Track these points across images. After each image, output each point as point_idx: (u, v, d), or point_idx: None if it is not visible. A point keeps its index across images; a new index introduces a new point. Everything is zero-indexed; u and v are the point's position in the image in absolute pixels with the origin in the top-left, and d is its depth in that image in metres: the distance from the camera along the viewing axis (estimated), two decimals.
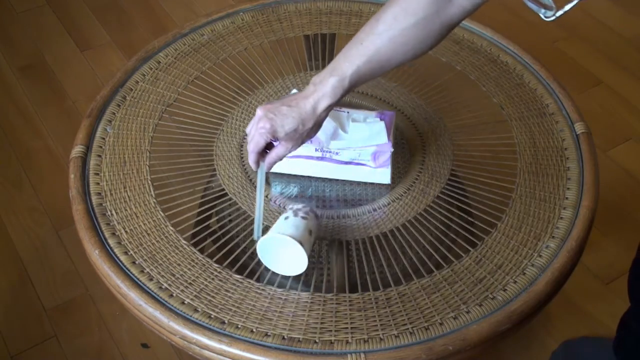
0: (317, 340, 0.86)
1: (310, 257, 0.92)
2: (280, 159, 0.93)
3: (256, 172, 0.95)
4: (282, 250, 0.93)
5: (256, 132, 0.89)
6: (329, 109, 0.88)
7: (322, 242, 1.00)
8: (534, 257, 0.95)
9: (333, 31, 1.31)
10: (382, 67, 0.86)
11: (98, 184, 1.04)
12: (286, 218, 0.95)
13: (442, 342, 0.85)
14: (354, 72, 0.85)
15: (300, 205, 0.97)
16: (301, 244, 0.90)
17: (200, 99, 1.19)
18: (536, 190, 1.04)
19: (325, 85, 0.86)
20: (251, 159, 0.92)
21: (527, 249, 0.96)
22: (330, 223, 1.02)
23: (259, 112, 0.89)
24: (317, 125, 0.90)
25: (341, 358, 0.84)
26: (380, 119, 1.03)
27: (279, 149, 0.91)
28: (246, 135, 0.94)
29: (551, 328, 1.36)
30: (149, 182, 1.05)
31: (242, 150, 1.13)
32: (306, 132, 0.89)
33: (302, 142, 0.91)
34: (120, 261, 0.94)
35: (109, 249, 0.96)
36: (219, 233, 1.11)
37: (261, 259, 0.94)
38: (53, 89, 1.87)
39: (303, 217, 0.94)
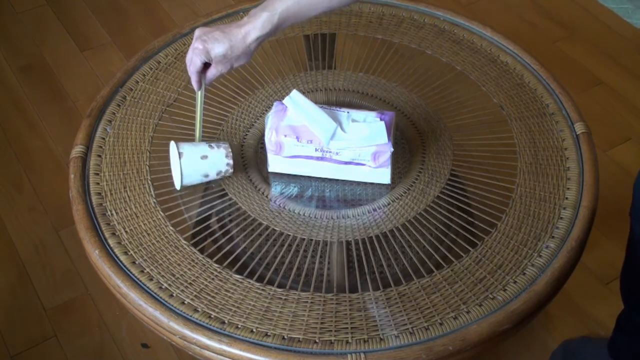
0: (317, 340, 0.86)
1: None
2: (214, 79, 1.03)
3: (198, 91, 1.05)
4: (175, 160, 1.04)
5: (192, 52, 0.99)
6: (258, 41, 0.98)
7: (322, 242, 1.00)
8: (534, 257, 0.95)
9: (333, 31, 1.31)
10: (309, 10, 0.98)
11: (98, 184, 1.04)
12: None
13: (442, 342, 0.85)
14: (284, 10, 0.96)
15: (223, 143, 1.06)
16: (181, 155, 1.01)
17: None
18: (536, 190, 1.04)
19: (257, 19, 0.96)
20: (193, 80, 1.02)
21: (527, 249, 0.96)
22: (330, 223, 1.02)
23: (196, 33, 0.99)
24: (246, 55, 0.99)
25: (341, 358, 0.84)
26: (380, 119, 1.03)
27: (211, 69, 1.01)
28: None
29: (551, 328, 1.36)
30: (149, 182, 1.05)
31: (242, 150, 1.13)
32: (235, 58, 0.99)
33: (232, 67, 1.01)
34: (120, 261, 0.94)
35: (109, 249, 0.96)
36: (219, 233, 1.11)
37: (171, 166, 1.07)
38: (53, 89, 1.87)
39: (210, 145, 1.04)
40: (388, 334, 0.86)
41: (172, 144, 1.04)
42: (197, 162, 1.03)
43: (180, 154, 1.01)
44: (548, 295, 0.91)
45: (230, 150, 1.05)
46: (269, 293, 0.92)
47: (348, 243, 1.02)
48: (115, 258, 0.95)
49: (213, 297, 0.91)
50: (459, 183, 1.11)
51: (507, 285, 0.91)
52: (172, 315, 0.88)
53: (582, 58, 1.95)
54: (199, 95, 1.05)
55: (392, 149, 1.03)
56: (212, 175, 1.05)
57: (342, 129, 1.03)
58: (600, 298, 1.42)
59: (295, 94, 1.05)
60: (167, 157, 1.08)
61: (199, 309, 0.89)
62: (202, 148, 1.04)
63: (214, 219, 1.19)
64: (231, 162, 1.05)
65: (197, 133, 1.08)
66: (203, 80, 1.03)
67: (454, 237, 1.06)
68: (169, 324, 0.87)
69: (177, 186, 1.05)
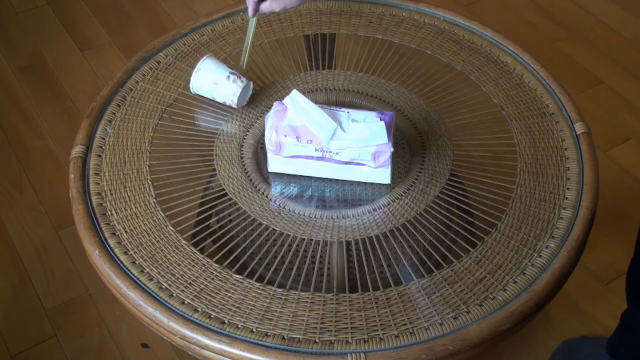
0: (317, 340, 0.86)
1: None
2: (267, 13, 1.14)
3: (251, 19, 1.16)
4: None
5: None
6: None
7: (322, 242, 1.00)
8: (534, 257, 0.95)
9: (333, 31, 1.31)
10: None
11: (98, 184, 1.04)
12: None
13: (442, 342, 0.85)
14: None
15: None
16: (198, 70, 1.15)
17: (200, 99, 1.19)
18: (536, 190, 1.04)
19: None
20: (250, 7, 1.13)
21: (527, 249, 0.96)
22: (330, 223, 1.02)
23: None
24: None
25: (341, 358, 0.84)
26: (380, 119, 1.03)
27: (265, 3, 1.11)
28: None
29: (551, 328, 1.36)
30: (149, 182, 1.05)
31: (242, 150, 1.13)
32: (288, 0, 1.10)
33: (284, 8, 1.11)
34: (120, 261, 0.94)
35: (109, 249, 0.96)
36: (219, 233, 1.11)
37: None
38: (53, 89, 1.87)
39: (229, 75, 1.14)
40: (388, 334, 0.86)
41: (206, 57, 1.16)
42: (207, 84, 1.15)
43: (197, 69, 1.14)
44: (548, 295, 0.91)
45: (240, 88, 1.13)
46: (269, 293, 0.92)
47: (348, 243, 1.02)
48: (115, 258, 0.95)
49: (213, 297, 0.91)
50: (459, 183, 1.11)
51: (507, 285, 0.91)
52: (172, 315, 0.88)
53: (582, 58, 1.95)
54: (251, 24, 1.16)
55: (392, 149, 1.03)
56: (219, 100, 1.16)
57: (342, 129, 1.03)
58: (600, 298, 1.42)
59: (295, 94, 1.05)
60: (167, 157, 1.08)
61: (199, 309, 0.89)
62: (220, 74, 1.14)
63: (214, 219, 1.19)
64: (236, 100, 1.14)
65: (243, 59, 1.19)
66: (257, 11, 1.13)
67: (454, 237, 1.06)
68: (169, 324, 0.87)
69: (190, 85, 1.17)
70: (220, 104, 1.17)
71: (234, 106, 1.16)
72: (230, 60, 1.24)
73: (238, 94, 1.14)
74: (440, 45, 1.27)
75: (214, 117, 1.17)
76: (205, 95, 1.17)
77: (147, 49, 1.25)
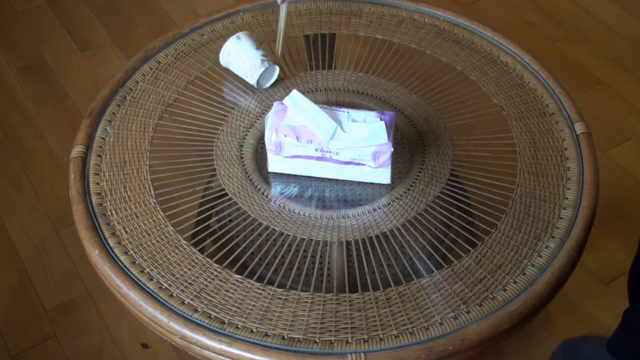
0: (317, 340, 0.86)
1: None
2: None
3: (281, 5, 1.19)
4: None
5: None
6: None
7: (322, 242, 1.00)
8: (534, 257, 0.95)
9: (333, 31, 1.31)
10: None
11: (98, 184, 1.04)
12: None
13: (442, 342, 0.85)
14: None
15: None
16: (230, 53, 1.19)
17: (200, 99, 1.19)
18: (536, 190, 1.04)
19: None
20: None
21: (527, 249, 0.96)
22: (330, 223, 1.02)
23: None
24: None
25: (341, 358, 0.84)
26: (380, 119, 1.03)
27: None
28: None
29: (551, 328, 1.36)
30: (149, 182, 1.05)
31: (242, 150, 1.13)
32: None
33: None
34: (120, 261, 0.94)
35: (109, 249, 0.96)
36: (219, 233, 1.11)
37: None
38: (53, 89, 1.87)
39: (259, 62, 1.18)
40: (388, 334, 0.86)
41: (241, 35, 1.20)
42: (235, 60, 1.19)
43: (229, 52, 1.19)
44: (548, 295, 0.91)
45: (261, 70, 1.17)
46: (269, 293, 0.92)
47: (348, 243, 1.02)
48: (115, 258, 0.95)
49: (213, 297, 0.91)
50: (459, 183, 1.11)
51: (507, 285, 0.91)
52: (172, 315, 0.88)
53: (582, 58, 1.95)
54: (282, 10, 1.18)
55: (392, 149, 1.03)
56: (242, 76, 1.20)
57: (342, 129, 1.03)
58: (600, 298, 1.42)
59: (295, 94, 1.05)
60: (167, 157, 1.08)
61: (199, 309, 0.89)
62: (248, 52, 1.18)
63: (214, 219, 1.19)
64: (255, 80, 1.18)
65: (278, 47, 1.22)
66: None
67: (454, 237, 1.06)
68: (169, 324, 0.87)
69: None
70: (244, 81, 1.21)
71: (255, 86, 1.19)
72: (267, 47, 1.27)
73: (258, 74, 1.18)
74: (440, 45, 1.27)
75: (237, 93, 1.21)
76: (232, 70, 1.21)
77: (147, 49, 1.25)
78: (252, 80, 1.19)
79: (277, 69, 1.21)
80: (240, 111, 1.19)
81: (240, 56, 1.19)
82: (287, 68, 1.27)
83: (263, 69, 1.18)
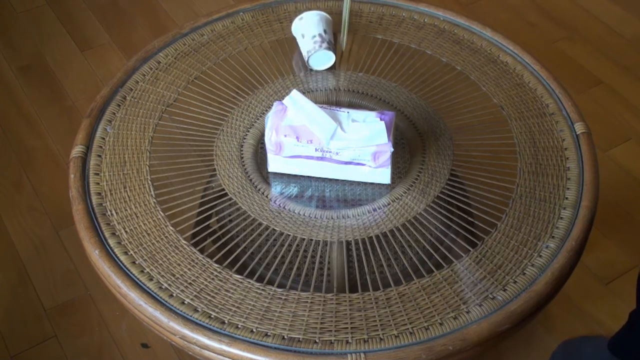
0: (317, 340, 0.86)
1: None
2: None
3: None
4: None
5: None
6: None
7: (322, 242, 1.00)
8: (534, 257, 0.95)
9: (333, 31, 1.31)
10: None
11: (98, 184, 1.04)
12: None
13: (442, 342, 0.85)
14: None
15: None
16: (300, 36, 1.25)
17: (200, 99, 1.19)
18: (536, 190, 1.04)
19: None
20: None
21: (527, 249, 0.96)
22: (330, 223, 1.02)
23: None
24: None
25: (341, 358, 0.84)
26: (380, 119, 1.03)
27: None
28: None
29: (551, 328, 1.36)
30: (149, 182, 1.05)
31: (242, 150, 1.13)
32: None
33: None
34: (120, 261, 0.94)
35: (109, 249, 0.96)
36: (219, 233, 1.11)
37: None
38: (53, 89, 1.87)
39: (316, 48, 1.22)
40: (388, 334, 0.86)
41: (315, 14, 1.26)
42: (300, 33, 1.25)
43: (301, 35, 1.24)
44: (548, 295, 0.91)
45: (315, 52, 1.21)
46: (269, 293, 0.92)
47: (348, 243, 1.02)
48: (115, 258, 0.95)
49: (213, 297, 0.91)
50: (459, 183, 1.11)
51: (507, 285, 0.91)
52: (172, 315, 0.88)
53: (582, 58, 1.95)
54: (347, 1, 1.23)
55: (392, 149, 1.03)
56: (302, 50, 1.25)
57: (342, 129, 1.03)
58: (600, 298, 1.42)
59: (295, 94, 1.05)
60: (167, 157, 1.08)
61: (199, 309, 0.89)
62: (312, 30, 1.23)
63: (214, 219, 1.19)
64: (307, 59, 1.23)
65: (343, 38, 1.27)
66: None
67: (454, 237, 1.06)
68: (169, 324, 0.87)
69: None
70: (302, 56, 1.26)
71: (307, 64, 1.24)
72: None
73: (311, 54, 1.22)
74: (440, 45, 1.27)
75: (300, 63, 1.26)
76: (297, 39, 1.27)
77: (147, 49, 1.25)
78: (306, 55, 1.23)
79: (333, 57, 1.24)
80: (240, 111, 1.19)
81: (310, 29, 1.23)
82: (287, 68, 1.27)
83: (320, 50, 1.21)
